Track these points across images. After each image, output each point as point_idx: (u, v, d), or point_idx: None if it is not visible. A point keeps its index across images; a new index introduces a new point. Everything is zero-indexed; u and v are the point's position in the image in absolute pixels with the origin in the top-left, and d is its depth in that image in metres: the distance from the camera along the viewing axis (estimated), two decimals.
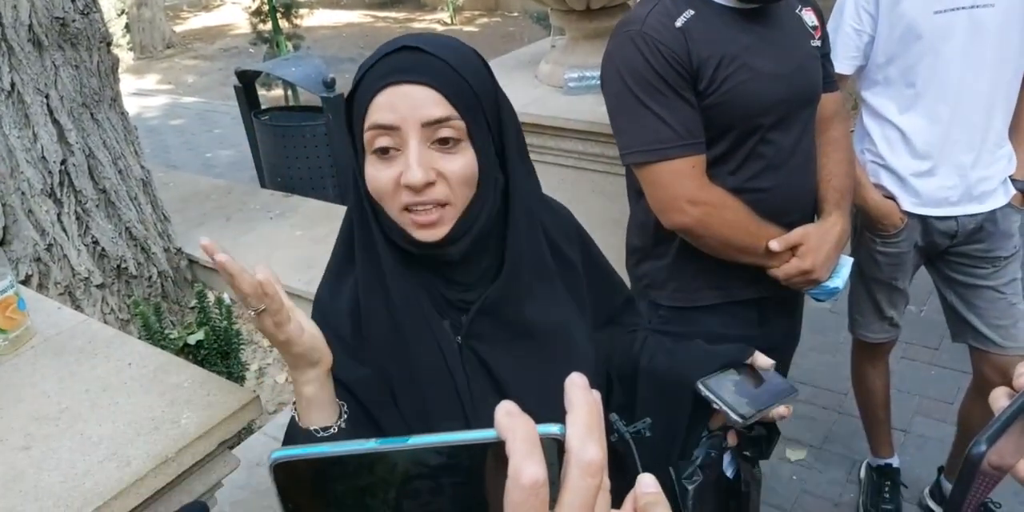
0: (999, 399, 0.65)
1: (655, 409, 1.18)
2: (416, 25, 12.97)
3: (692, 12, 1.56)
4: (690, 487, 1.15)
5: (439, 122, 0.91)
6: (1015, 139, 2.05)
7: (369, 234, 1.02)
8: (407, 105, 0.91)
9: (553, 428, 0.39)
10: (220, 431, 1.31)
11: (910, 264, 2.17)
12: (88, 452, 1.25)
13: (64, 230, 3.20)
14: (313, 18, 11.64)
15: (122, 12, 11.83)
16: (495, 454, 0.38)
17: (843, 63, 2.01)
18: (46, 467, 1.22)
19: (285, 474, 0.39)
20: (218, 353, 2.91)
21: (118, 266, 3.37)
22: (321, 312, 1.11)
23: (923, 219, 2.06)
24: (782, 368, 1.98)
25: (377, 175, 0.95)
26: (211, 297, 3.11)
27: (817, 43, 1.70)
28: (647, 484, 0.45)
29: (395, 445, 0.39)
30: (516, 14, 12.90)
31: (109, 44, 3.34)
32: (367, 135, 0.93)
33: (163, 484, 1.24)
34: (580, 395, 0.40)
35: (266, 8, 8.08)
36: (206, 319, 2.95)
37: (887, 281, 2.20)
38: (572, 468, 0.38)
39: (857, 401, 2.58)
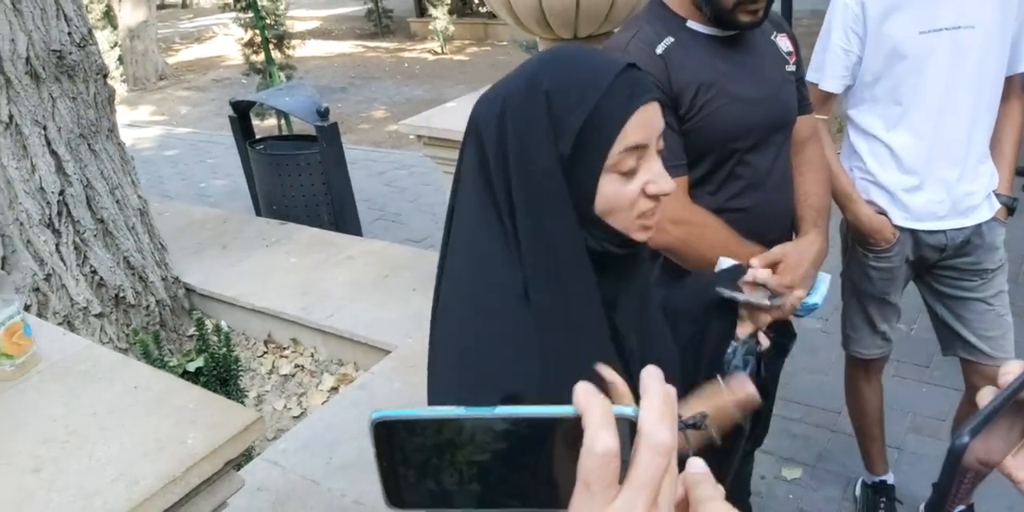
0: (985, 398, 0.68)
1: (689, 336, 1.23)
2: (407, 55, 13.11)
3: (672, 39, 1.61)
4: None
5: (662, 132, 0.99)
6: (994, 155, 2.10)
7: (579, 252, 0.99)
8: (652, 123, 0.97)
9: (627, 410, 0.43)
10: (226, 451, 1.34)
11: (902, 278, 2.21)
12: (97, 473, 1.27)
13: (63, 260, 3.23)
14: (305, 49, 11.79)
15: (115, 45, 11.93)
16: (572, 430, 0.42)
17: (832, 82, 2.07)
18: (56, 488, 1.24)
19: (383, 432, 0.44)
20: (217, 380, 2.93)
21: (116, 295, 3.40)
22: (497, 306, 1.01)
23: (913, 233, 2.10)
24: (771, 381, 2.01)
25: (619, 191, 0.97)
26: (209, 324, 3.13)
27: (792, 68, 1.76)
28: (696, 465, 0.48)
29: (482, 413, 0.43)
30: (505, 43, 13.06)
31: (106, 76, 3.39)
32: (618, 157, 0.95)
33: (171, 504, 1.26)
34: (656, 385, 0.44)
35: (259, 39, 8.18)
36: (205, 346, 2.97)
37: (880, 296, 2.24)
38: (643, 446, 0.41)
39: (851, 419, 2.60)
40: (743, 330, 1.22)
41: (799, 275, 1.71)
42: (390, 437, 0.44)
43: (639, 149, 0.95)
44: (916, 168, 2.03)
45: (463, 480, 0.45)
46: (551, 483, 0.44)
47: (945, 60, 1.91)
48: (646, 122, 0.95)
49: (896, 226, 2.10)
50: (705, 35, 1.64)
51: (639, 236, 1.01)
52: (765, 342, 1.22)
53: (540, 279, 0.98)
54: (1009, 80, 2.03)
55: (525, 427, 0.43)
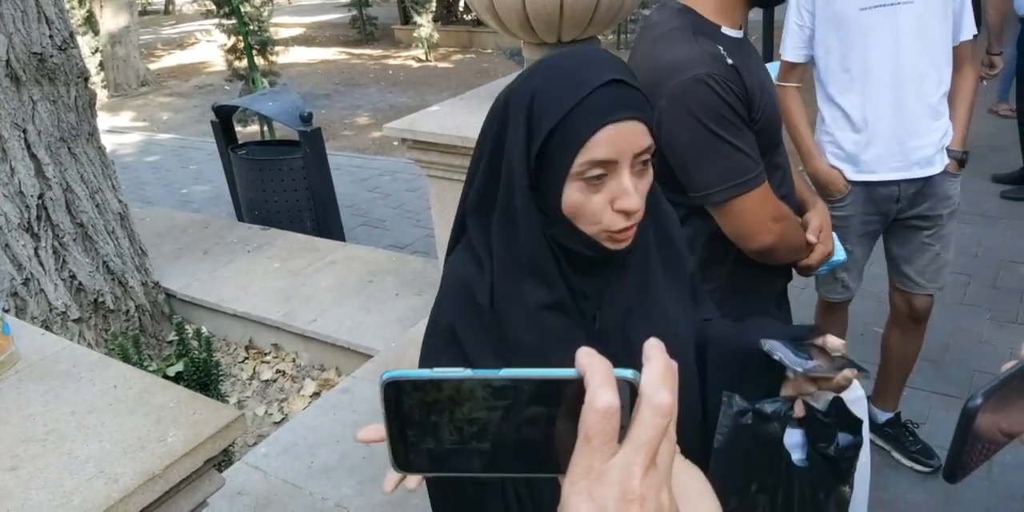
0: (1006, 367, 0.69)
1: (723, 380, 1.17)
2: (391, 62, 13.12)
3: (721, 47, 1.64)
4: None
5: (644, 151, 0.98)
6: (951, 115, 2.38)
7: (532, 237, 1.03)
8: (625, 140, 0.96)
9: (627, 373, 0.44)
10: (206, 448, 1.33)
11: (857, 229, 2.48)
12: (75, 471, 1.26)
13: (41, 264, 3.20)
14: (288, 55, 11.75)
15: (96, 50, 11.87)
16: (574, 392, 0.43)
17: (792, 53, 2.42)
18: (34, 486, 1.23)
19: (393, 393, 0.46)
20: (198, 385, 2.91)
21: (95, 300, 3.37)
22: (464, 283, 1.10)
23: (867, 186, 2.39)
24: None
25: (584, 199, 0.99)
26: (190, 330, 3.11)
27: None
28: None
29: (488, 374, 0.44)
30: (490, 50, 13.10)
31: (87, 79, 3.38)
32: (580, 166, 0.96)
33: (150, 501, 1.25)
34: (658, 353, 0.45)
35: (242, 45, 8.16)
36: (185, 351, 2.95)
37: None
38: (643, 407, 0.43)
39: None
40: (786, 390, 1.17)
41: (831, 238, 1.84)
42: (399, 398, 0.46)
43: (606, 164, 0.96)
44: (865, 127, 2.32)
45: (468, 443, 0.46)
46: (553, 448, 0.45)
47: (886, 32, 2.19)
48: (617, 139, 0.95)
49: (849, 181, 2.40)
50: (735, 39, 1.68)
51: (609, 245, 1.03)
52: (800, 412, 1.17)
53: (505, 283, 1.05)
54: (960, 49, 2.32)
55: (528, 388, 0.44)
